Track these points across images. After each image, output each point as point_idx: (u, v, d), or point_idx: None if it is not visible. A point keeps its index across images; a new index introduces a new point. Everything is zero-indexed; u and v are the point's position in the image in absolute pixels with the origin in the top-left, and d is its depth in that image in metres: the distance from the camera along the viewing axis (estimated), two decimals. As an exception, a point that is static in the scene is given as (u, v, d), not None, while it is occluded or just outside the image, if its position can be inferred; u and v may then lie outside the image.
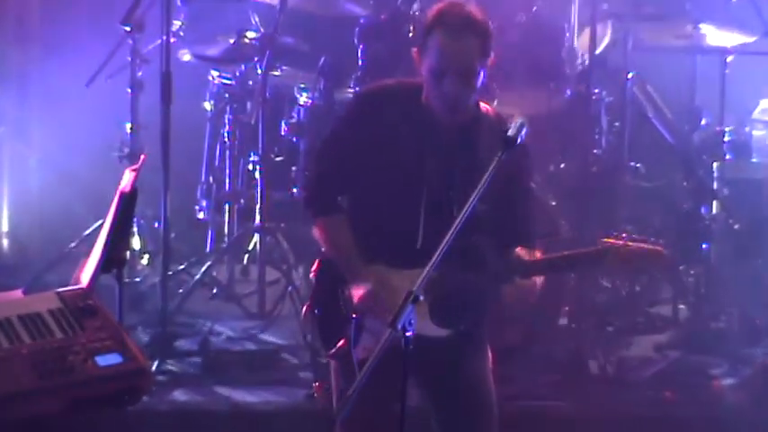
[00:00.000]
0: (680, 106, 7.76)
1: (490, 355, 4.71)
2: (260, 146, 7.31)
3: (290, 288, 7.04)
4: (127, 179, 4.21)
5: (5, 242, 8.60)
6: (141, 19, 7.25)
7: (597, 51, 7.09)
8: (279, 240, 7.24)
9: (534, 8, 7.30)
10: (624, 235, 4.55)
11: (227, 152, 7.81)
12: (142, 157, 4.90)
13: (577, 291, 6.87)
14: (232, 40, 7.66)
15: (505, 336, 6.19)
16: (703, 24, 7.38)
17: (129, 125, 7.49)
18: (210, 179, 7.96)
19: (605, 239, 4.50)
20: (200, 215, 8.01)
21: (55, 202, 8.36)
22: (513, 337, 6.32)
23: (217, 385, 6.46)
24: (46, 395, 3.71)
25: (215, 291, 7.59)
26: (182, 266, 7.53)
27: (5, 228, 8.59)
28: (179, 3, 7.57)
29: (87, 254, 4.24)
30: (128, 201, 4.16)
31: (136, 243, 7.61)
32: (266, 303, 7.34)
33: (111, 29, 7.48)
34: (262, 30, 7.59)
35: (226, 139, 7.82)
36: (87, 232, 7.39)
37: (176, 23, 7.45)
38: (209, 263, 7.37)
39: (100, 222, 6.73)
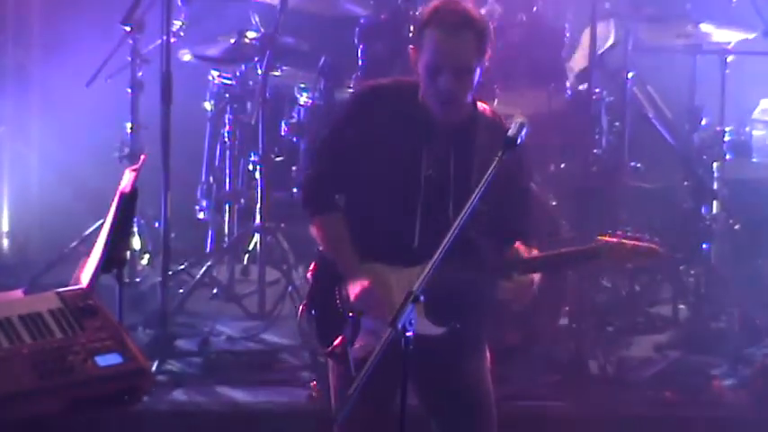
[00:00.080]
0: (680, 106, 7.75)
1: (488, 355, 4.71)
2: (260, 146, 7.32)
3: (290, 288, 7.04)
4: (127, 179, 4.20)
5: (5, 242, 8.60)
6: (141, 19, 7.26)
7: (601, 51, 7.09)
8: (279, 240, 7.24)
9: (534, 8, 7.31)
10: (620, 232, 4.56)
11: (228, 152, 7.82)
12: (142, 157, 4.89)
13: (577, 291, 6.86)
14: (232, 40, 7.66)
15: (505, 336, 6.21)
16: (703, 24, 7.38)
17: (129, 125, 7.51)
18: (211, 179, 7.96)
19: (601, 237, 4.52)
20: (201, 215, 8.01)
21: (55, 201, 8.36)
22: (512, 337, 6.33)
23: (217, 385, 6.46)
24: (46, 395, 3.71)
25: (215, 291, 7.58)
26: (182, 266, 7.54)
27: (5, 228, 8.59)
28: (179, 3, 7.56)
29: (87, 254, 4.24)
30: (128, 201, 4.16)
31: (136, 243, 7.60)
32: (266, 303, 7.33)
33: (111, 29, 7.48)
34: (262, 30, 7.59)
35: (226, 139, 7.82)
36: (87, 232, 7.40)
37: (176, 23, 7.44)
38: (209, 263, 7.38)
39: (100, 222, 6.74)
